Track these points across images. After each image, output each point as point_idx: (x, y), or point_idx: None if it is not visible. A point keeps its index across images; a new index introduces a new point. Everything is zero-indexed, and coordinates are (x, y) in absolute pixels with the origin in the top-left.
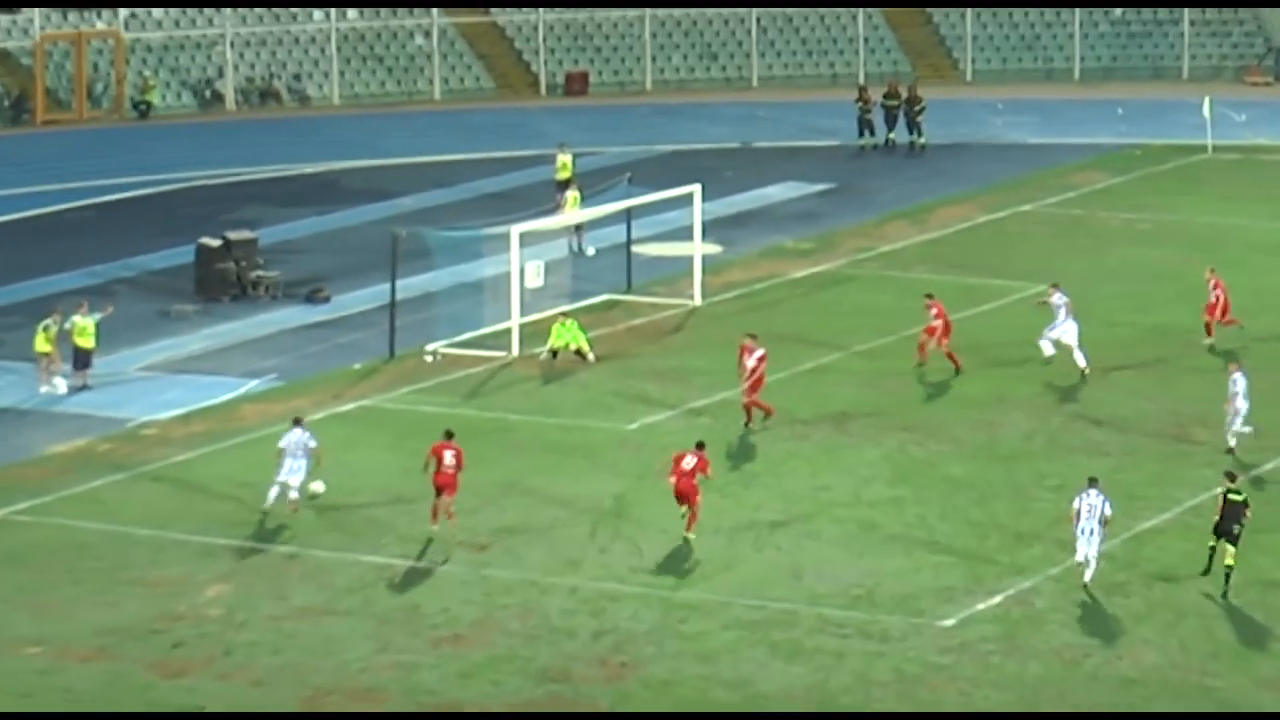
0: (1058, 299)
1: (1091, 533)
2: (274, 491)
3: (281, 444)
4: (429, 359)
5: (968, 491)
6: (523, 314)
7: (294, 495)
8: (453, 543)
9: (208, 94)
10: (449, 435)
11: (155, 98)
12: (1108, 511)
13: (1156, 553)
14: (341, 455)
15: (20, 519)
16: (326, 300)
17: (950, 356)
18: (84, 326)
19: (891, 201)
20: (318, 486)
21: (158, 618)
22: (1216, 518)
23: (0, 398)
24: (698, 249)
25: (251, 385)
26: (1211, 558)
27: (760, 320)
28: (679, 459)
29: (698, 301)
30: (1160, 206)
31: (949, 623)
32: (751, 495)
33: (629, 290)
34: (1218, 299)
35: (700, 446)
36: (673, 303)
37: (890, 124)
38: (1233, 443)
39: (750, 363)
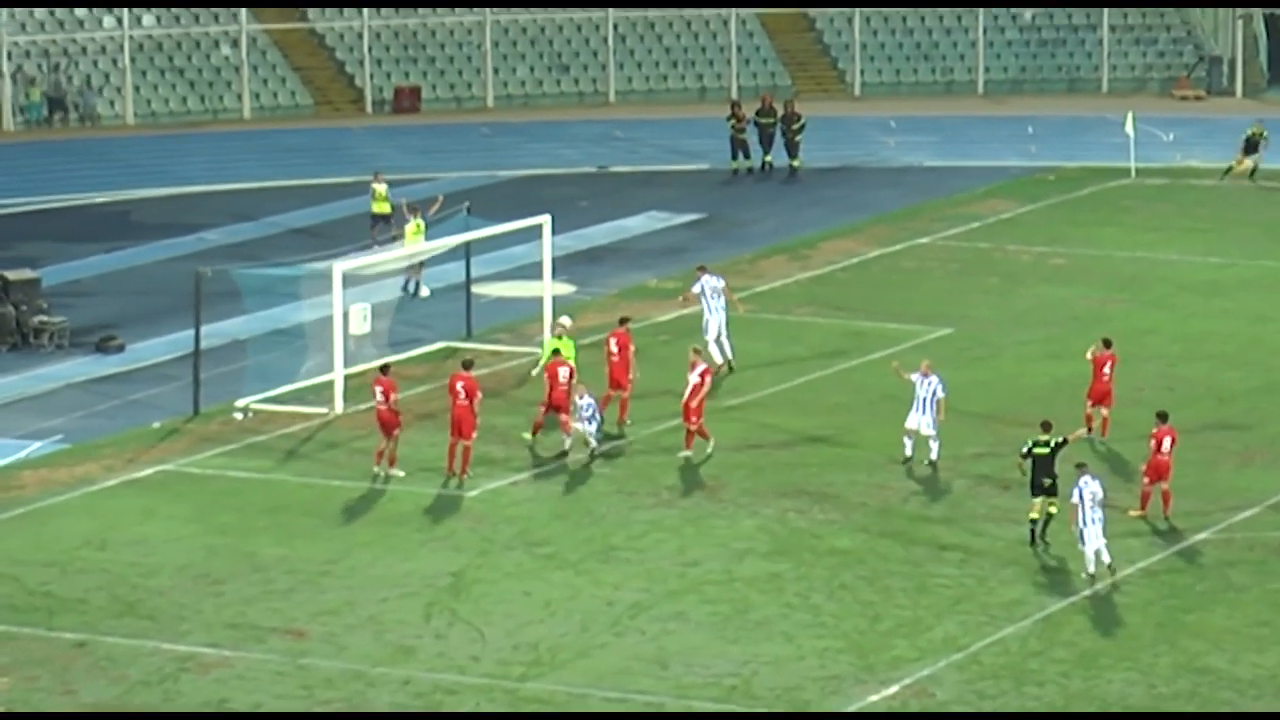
0: (708, 284)
1: (1095, 521)
2: None
3: None
4: (239, 416)
5: (857, 567)
6: (347, 364)
7: None
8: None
9: None
10: (384, 370)
11: None
12: (1100, 494)
13: (1075, 636)
14: (137, 528)
15: None
16: (120, 350)
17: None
18: None
19: (769, 234)
20: None
21: None
22: (1029, 477)
23: None
24: (547, 289)
25: (33, 448)
26: (1034, 528)
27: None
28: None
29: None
30: (1076, 239)
31: None
32: (609, 573)
33: (469, 337)
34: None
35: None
36: (519, 351)
37: (766, 145)
38: (909, 450)
39: (693, 378)
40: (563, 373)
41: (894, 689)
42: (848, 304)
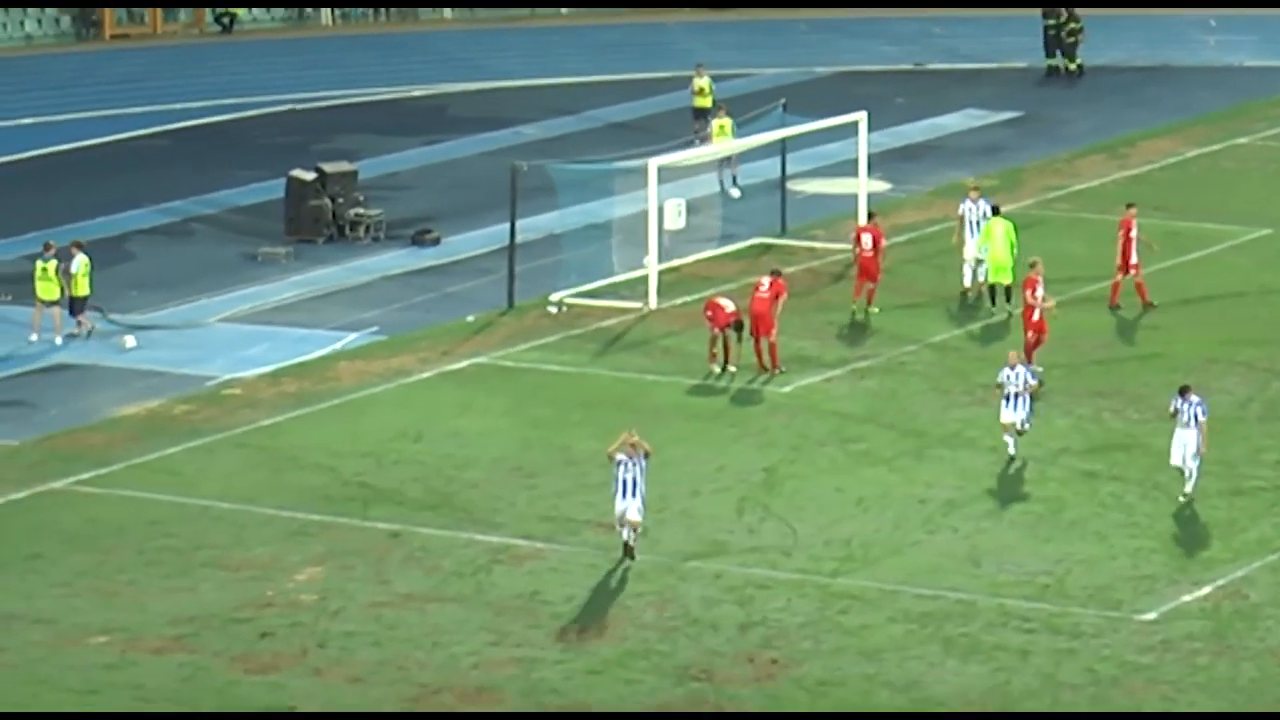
0: (974, 207)
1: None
2: None
3: None
4: (553, 310)
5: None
6: (661, 259)
7: None
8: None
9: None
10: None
11: (240, 9)
12: (1201, 417)
13: None
14: (453, 420)
15: (84, 491)
16: (435, 243)
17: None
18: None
19: (1087, 133)
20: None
21: (241, 605)
22: None
23: (61, 353)
24: (863, 186)
25: (349, 340)
26: None
27: (933, 270)
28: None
29: (854, 247)
30: None
31: (1150, 617)
32: (923, 470)
33: (783, 234)
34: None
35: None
36: (834, 248)
37: (1056, 49)
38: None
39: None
40: (726, 304)
41: (1207, 589)
42: (1166, 204)
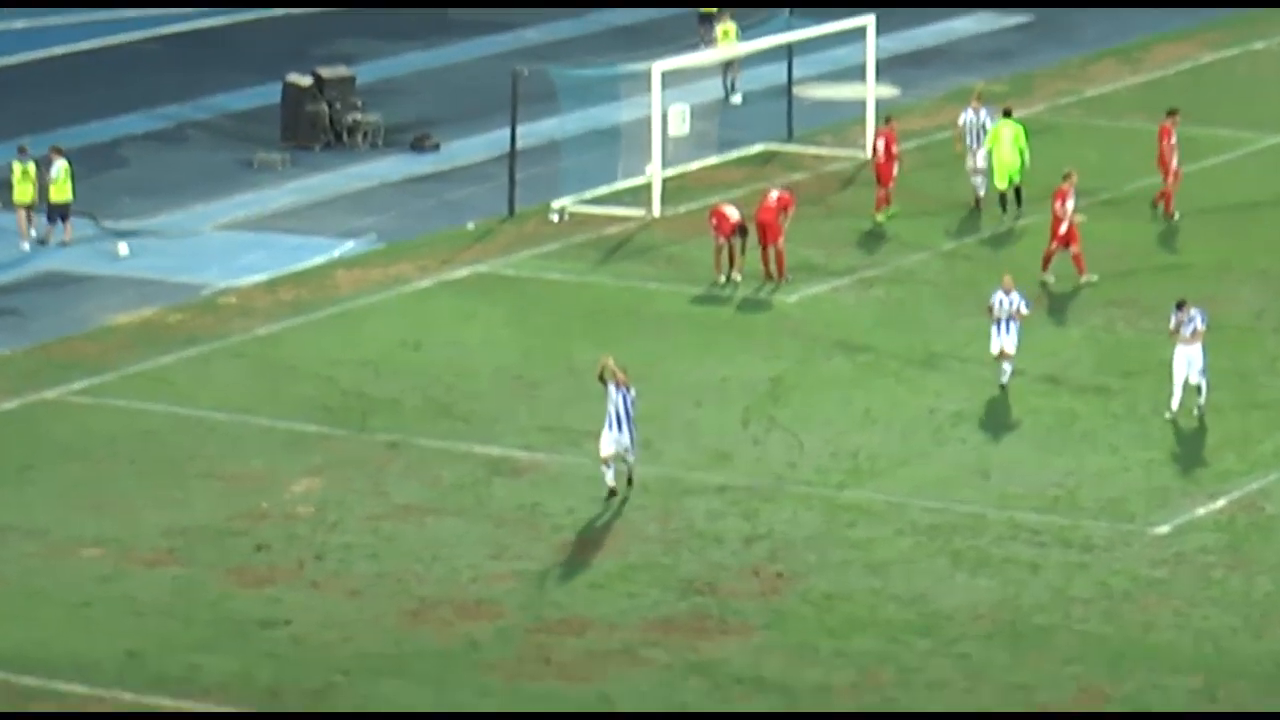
0: (974, 117)
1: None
2: None
3: None
4: (554, 218)
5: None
6: (665, 166)
7: None
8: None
9: None
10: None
11: None
12: (1200, 326)
13: None
14: (452, 329)
15: (77, 401)
16: (435, 149)
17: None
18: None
19: (1099, 37)
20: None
21: (236, 516)
22: None
23: (53, 259)
24: (870, 91)
25: (347, 247)
26: None
27: (942, 177)
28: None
29: (869, 153)
30: None
31: (1163, 530)
32: (932, 380)
33: (790, 140)
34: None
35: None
36: (840, 154)
37: None
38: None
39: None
40: (731, 213)
41: (1221, 502)
42: (1180, 109)
